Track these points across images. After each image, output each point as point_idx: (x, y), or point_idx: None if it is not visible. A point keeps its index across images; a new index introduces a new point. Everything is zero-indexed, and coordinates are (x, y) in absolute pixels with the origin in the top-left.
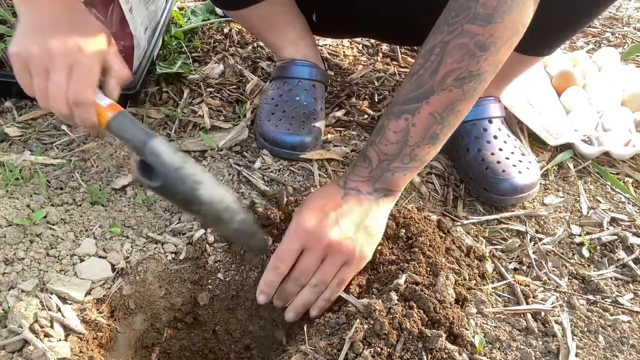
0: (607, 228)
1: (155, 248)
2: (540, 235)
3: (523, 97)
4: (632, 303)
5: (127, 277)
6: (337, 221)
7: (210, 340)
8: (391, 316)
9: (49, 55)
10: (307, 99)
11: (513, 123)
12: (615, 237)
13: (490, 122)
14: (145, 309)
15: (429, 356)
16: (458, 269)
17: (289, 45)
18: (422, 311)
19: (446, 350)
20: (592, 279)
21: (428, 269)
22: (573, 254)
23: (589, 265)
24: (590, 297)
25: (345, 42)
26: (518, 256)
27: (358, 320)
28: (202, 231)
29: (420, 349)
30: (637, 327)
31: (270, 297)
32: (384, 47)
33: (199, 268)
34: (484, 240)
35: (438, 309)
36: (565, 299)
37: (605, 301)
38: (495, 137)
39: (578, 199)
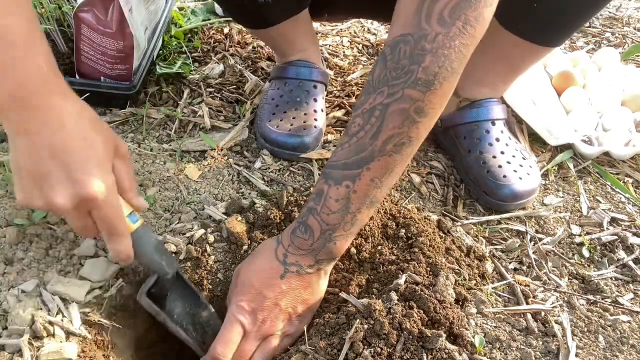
0: (607, 228)
1: None
2: (540, 235)
3: (526, 96)
4: (632, 303)
5: (127, 277)
6: (276, 303)
7: None
8: (391, 316)
9: (59, 210)
10: (307, 99)
11: (513, 123)
12: (615, 237)
13: (493, 124)
14: (145, 309)
15: (429, 356)
16: (458, 269)
17: (297, 52)
18: (422, 311)
19: (446, 350)
20: (592, 279)
21: (428, 269)
22: (573, 254)
23: (589, 265)
24: (590, 297)
25: (345, 42)
26: (518, 256)
27: (358, 320)
28: (202, 231)
29: (420, 349)
30: (637, 327)
31: None
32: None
33: (199, 268)
34: (484, 240)
35: (438, 309)
36: (565, 299)
37: (605, 301)
38: (497, 139)
39: (578, 199)
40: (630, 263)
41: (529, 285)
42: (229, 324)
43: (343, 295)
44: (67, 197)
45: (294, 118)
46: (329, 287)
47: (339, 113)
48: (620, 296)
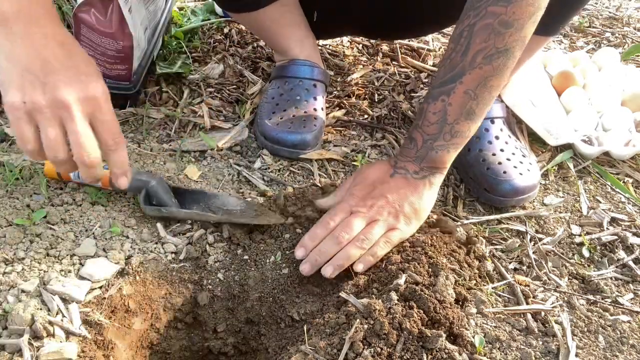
0: (607, 228)
1: (155, 248)
2: (540, 235)
3: (525, 96)
4: (632, 303)
5: (127, 277)
6: (384, 194)
7: (210, 339)
8: (391, 316)
9: (63, 104)
10: (307, 98)
11: (512, 123)
12: (616, 237)
13: (492, 122)
14: (145, 308)
15: (429, 356)
16: (458, 269)
17: (295, 45)
18: (422, 311)
19: (446, 350)
20: (592, 279)
21: (428, 269)
22: (573, 254)
23: (589, 265)
24: (590, 297)
25: (345, 42)
26: (518, 256)
27: (358, 320)
28: (202, 231)
29: (420, 349)
30: (637, 327)
31: (308, 251)
32: (384, 47)
33: (199, 268)
34: (484, 240)
35: (438, 309)
36: (565, 298)
37: (605, 301)
38: (497, 137)
39: (578, 198)
40: (631, 263)
41: (528, 285)
42: (339, 205)
43: (343, 295)
44: (74, 93)
45: (293, 116)
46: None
47: (339, 113)
48: (620, 296)
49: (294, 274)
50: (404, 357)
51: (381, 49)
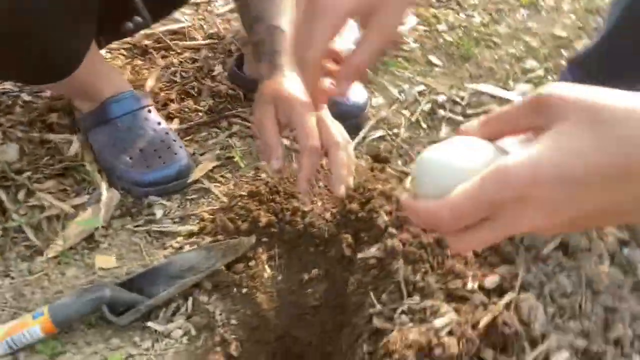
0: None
1: (167, 343)
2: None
3: None
4: None
5: None
6: None
7: None
8: None
9: None
10: (150, 126)
11: None
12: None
13: None
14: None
15: None
16: None
17: (105, 84)
18: None
19: None
20: None
21: None
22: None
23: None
24: None
25: (106, 54)
26: None
27: None
28: (187, 300)
29: None
30: None
31: None
32: (146, 42)
33: (215, 328)
34: None
35: None
36: None
37: None
38: None
39: (388, 91)
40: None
41: None
42: None
43: None
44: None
45: (155, 150)
46: None
47: (175, 125)
48: None
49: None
50: None
51: (146, 45)
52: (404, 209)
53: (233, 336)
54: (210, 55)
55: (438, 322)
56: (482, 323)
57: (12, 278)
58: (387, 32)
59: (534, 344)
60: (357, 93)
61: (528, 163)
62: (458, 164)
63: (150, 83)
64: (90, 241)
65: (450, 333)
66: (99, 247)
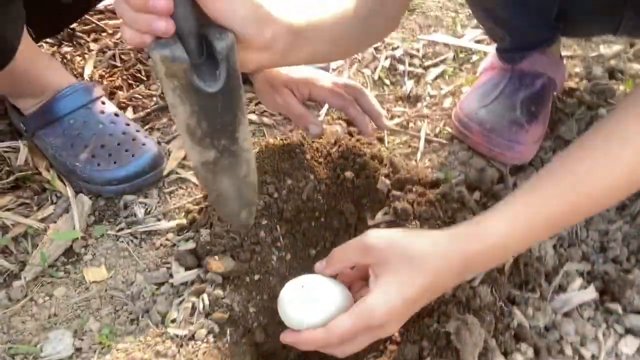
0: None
1: None
2: None
3: None
4: None
5: None
6: None
7: None
8: None
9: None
10: (108, 119)
11: None
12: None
13: None
14: None
15: None
16: None
17: (48, 78)
18: None
19: None
20: None
21: None
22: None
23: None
24: None
25: None
26: None
27: None
28: None
29: None
30: None
31: None
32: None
33: None
34: None
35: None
36: None
37: None
38: None
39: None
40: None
41: None
42: None
43: None
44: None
45: (119, 144)
46: None
47: (130, 114)
48: None
49: None
50: None
51: (73, 30)
52: (289, 340)
53: (255, 324)
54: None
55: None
56: (507, 267)
57: None
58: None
59: (548, 277)
60: None
61: (384, 300)
62: (311, 304)
63: (88, 71)
64: (69, 255)
65: (482, 282)
66: (82, 259)
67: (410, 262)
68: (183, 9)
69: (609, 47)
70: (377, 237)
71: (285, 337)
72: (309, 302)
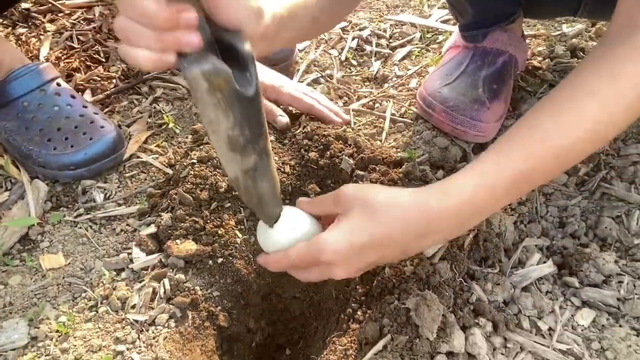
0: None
1: None
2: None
3: None
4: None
5: None
6: None
7: None
8: None
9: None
10: (65, 102)
11: None
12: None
13: None
14: None
15: None
16: None
17: (1, 57)
18: None
19: None
20: None
21: None
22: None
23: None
24: None
25: None
26: None
27: None
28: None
29: None
30: None
31: None
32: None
33: None
34: None
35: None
36: None
37: None
38: None
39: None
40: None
41: None
42: None
43: None
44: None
45: (76, 127)
46: None
47: (88, 96)
48: None
49: None
50: None
51: (27, 10)
52: (261, 261)
53: (219, 307)
54: (106, 12)
55: (430, 250)
56: (466, 243)
57: None
58: None
59: (508, 252)
60: None
61: (333, 240)
62: (285, 232)
63: (44, 53)
64: (25, 242)
65: (442, 259)
66: (39, 246)
67: (366, 210)
68: (199, 18)
69: (572, 27)
70: (349, 188)
71: (259, 259)
72: (282, 229)
